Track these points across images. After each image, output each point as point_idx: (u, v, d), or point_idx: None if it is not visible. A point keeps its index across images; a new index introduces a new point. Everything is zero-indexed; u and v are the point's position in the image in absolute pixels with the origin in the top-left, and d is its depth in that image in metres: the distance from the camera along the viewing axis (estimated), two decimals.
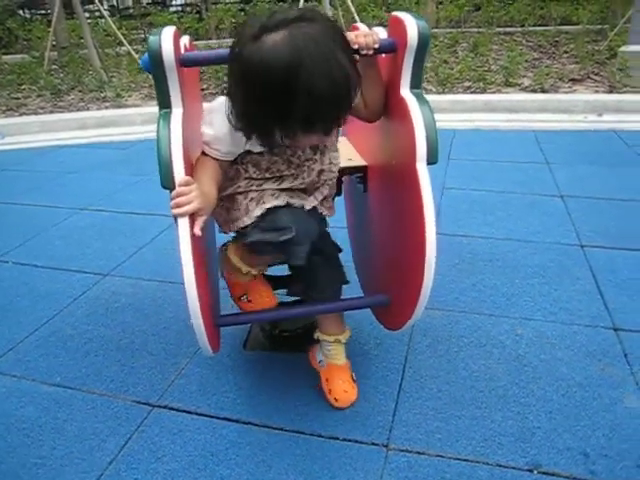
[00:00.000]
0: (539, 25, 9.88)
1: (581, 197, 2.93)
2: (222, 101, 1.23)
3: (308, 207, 1.38)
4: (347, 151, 1.70)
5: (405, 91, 1.23)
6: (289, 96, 1.04)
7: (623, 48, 5.54)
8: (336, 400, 1.54)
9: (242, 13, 12.31)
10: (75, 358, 1.81)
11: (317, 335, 1.61)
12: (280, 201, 1.30)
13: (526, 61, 6.45)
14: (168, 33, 1.11)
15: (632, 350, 1.74)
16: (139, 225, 2.83)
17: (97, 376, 1.73)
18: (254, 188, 1.33)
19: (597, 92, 5.20)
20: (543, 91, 5.25)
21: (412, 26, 1.17)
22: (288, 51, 1.03)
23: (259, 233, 1.27)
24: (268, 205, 1.29)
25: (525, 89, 5.33)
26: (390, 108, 1.33)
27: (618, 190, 3.00)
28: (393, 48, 1.22)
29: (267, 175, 1.33)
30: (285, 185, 1.34)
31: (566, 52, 7.19)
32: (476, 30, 8.99)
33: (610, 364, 1.69)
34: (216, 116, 1.24)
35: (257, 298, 1.52)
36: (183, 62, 1.16)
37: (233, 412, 1.55)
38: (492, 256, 2.33)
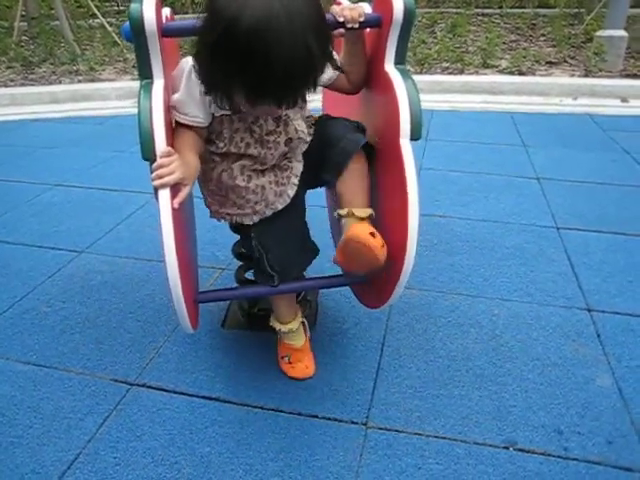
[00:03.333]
0: (517, 7, 9.88)
1: (557, 180, 2.97)
2: (187, 61, 1.21)
3: (290, 194, 1.40)
4: None
5: (389, 66, 1.22)
6: (247, 56, 1.01)
7: (599, 33, 5.58)
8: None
9: None
10: (51, 336, 1.78)
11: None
12: (251, 182, 1.35)
13: (504, 43, 6.46)
14: (150, 1, 1.07)
15: (604, 331, 1.78)
16: (114, 202, 2.78)
17: (74, 354, 1.70)
18: (218, 160, 1.35)
19: (573, 76, 5.24)
20: (520, 73, 5.27)
21: (398, 1, 1.15)
22: (260, 12, 0.99)
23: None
24: (239, 181, 1.34)
25: (502, 71, 5.34)
26: (373, 83, 1.32)
27: (592, 173, 3.05)
28: (378, 23, 1.21)
29: (232, 149, 1.31)
30: (251, 165, 1.35)
31: (543, 35, 7.22)
32: (454, 11, 8.95)
33: (584, 344, 1.73)
34: (180, 79, 1.22)
35: (298, 365, 1.59)
36: (165, 32, 1.12)
37: (212, 391, 1.55)
38: (469, 237, 2.35)
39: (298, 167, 1.40)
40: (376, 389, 1.54)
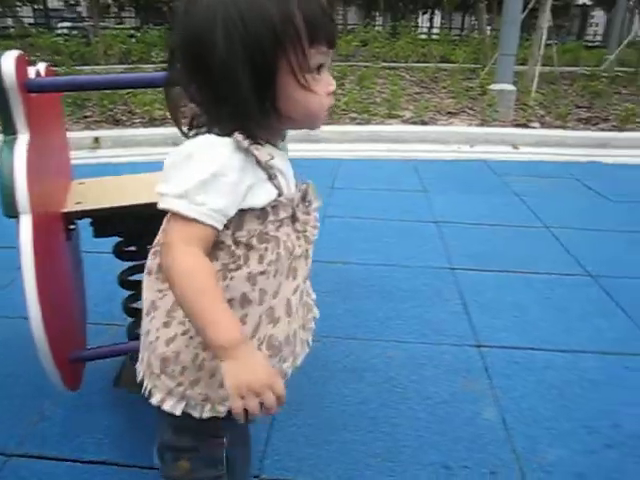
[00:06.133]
0: (421, 62, 10.55)
1: (453, 222, 3.13)
2: (204, 140, 0.78)
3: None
4: None
5: None
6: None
7: (491, 86, 6.04)
8: None
9: (132, 39, 12.11)
10: None
11: None
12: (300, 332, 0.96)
13: (408, 95, 6.85)
14: (10, 56, 1.07)
15: (492, 365, 1.87)
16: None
17: None
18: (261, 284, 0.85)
19: (470, 125, 5.61)
20: (423, 123, 5.59)
21: None
22: None
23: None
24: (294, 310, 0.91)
25: (406, 121, 5.64)
26: None
27: (486, 215, 3.24)
28: None
29: (284, 261, 0.86)
30: (299, 282, 0.91)
31: (444, 87, 7.72)
32: (363, 64, 9.41)
33: (473, 380, 1.80)
34: (198, 155, 0.77)
35: None
36: (30, 87, 1.12)
37: (99, 454, 1.48)
38: (368, 281, 2.42)
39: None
40: (270, 439, 1.53)
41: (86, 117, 5.78)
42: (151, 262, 0.89)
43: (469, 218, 3.19)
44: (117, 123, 5.64)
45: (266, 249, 0.82)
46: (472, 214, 3.26)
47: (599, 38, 20.32)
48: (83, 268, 1.84)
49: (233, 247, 0.81)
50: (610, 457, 1.50)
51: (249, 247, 0.82)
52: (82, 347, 1.59)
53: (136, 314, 1.76)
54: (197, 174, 0.75)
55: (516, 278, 2.48)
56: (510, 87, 5.82)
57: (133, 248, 1.67)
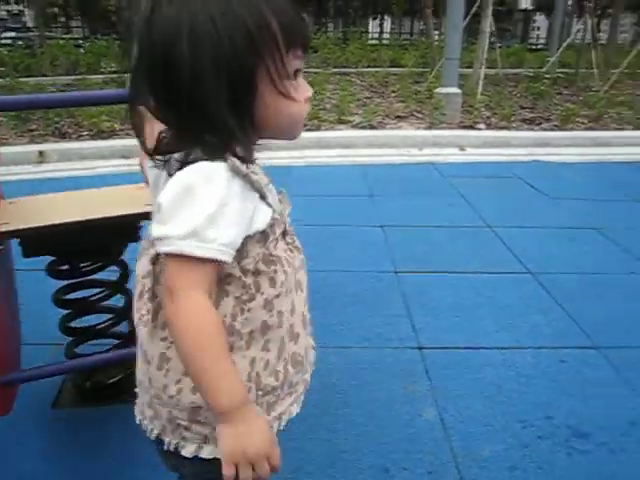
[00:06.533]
0: (372, 66, 10.67)
1: (399, 226, 3.18)
2: (199, 169, 0.70)
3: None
4: (148, 196, 1.69)
5: None
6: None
7: (438, 90, 6.16)
8: None
9: (80, 49, 11.89)
10: None
11: None
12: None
13: (358, 100, 6.92)
14: None
15: (432, 366, 1.91)
16: None
17: None
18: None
19: (419, 128, 5.71)
20: (372, 127, 5.65)
21: None
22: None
23: None
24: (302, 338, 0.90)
25: (356, 126, 5.70)
26: None
27: (431, 217, 3.30)
28: None
29: (292, 285, 0.85)
30: (306, 292, 0.94)
31: (394, 92, 7.83)
32: (314, 71, 9.47)
33: (413, 381, 1.83)
34: (199, 187, 0.69)
35: None
36: None
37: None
38: (311, 288, 2.41)
39: None
40: None
41: (31, 130, 5.63)
42: (144, 311, 0.81)
43: (414, 221, 3.25)
44: (63, 136, 5.52)
45: (275, 271, 0.80)
46: (417, 217, 3.32)
47: (542, 41, 20.96)
48: (15, 287, 1.80)
49: (242, 277, 0.77)
50: (542, 448, 1.56)
51: (257, 273, 0.78)
52: (15, 369, 1.55)
53: (74, 333, 1.74)
54: (203, 208, 0.68)
55: (458, 278, 2.54)
56: (456, 90, 5.96)
57: (66, 267, 1.64)
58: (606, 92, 7.75)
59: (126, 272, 1.72)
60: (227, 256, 0.71)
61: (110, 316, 1.74)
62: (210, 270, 0.71)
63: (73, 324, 1.72)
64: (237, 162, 0.70)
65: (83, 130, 5.66)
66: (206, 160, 0.70)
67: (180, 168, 0.70)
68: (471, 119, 5.92)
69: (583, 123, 6.19)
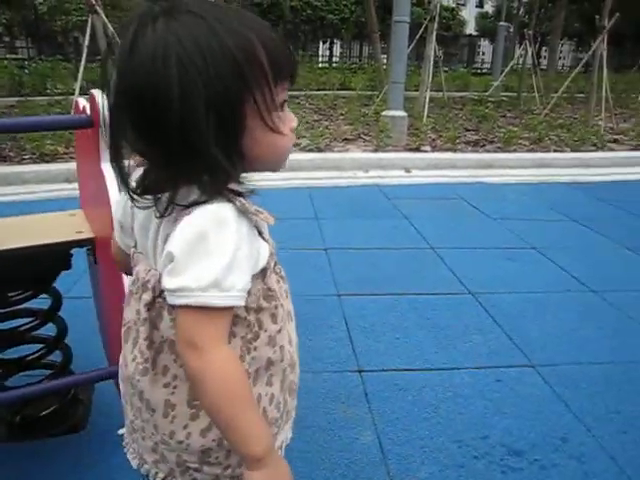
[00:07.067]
0: (321, 89, 10.80)
1: (342, 248, 3.20)
2: (209, 214, 0.68)
3: None
4: (80, 223, 1.66)
5: (105, 165, 1.25)
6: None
7: (384, 112, 6.28)
8: None
9: (24, 71, 11.60)
10: None
11: None
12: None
13: (307, 122, 6.97)
14: None
15: (371, 389, 1.91)
16: None
17: None
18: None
19: (365, 151, 5.80)
20: (319, 150, 5.70)
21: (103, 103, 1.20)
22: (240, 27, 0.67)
23: None
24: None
25: (303, 149, 5.74)
26: (95, 181, 1.34)
27: (375, 240, 3.34)
28: (91, 124, 1.24)
29: (286, 308, 0.85)
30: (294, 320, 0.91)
31: (342, 114, 7.94)
32: None
33: (352, 405, 1.83)
34: (213, 235, 0.67)
35: None
36: None
37: None
38: None
39: None
40: None
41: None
42: (141, 359, 0.78)
43: (358, 243, 3.28)
44: (4, 159, 5.34)
45: (276, 307, 0.79)
46: (361, 239, 3.35)
47: (487, 66, 21.77)
48: None
49: (247, 317, 0.76)
50: (477, 468, 1.58)
51: (259, 310, 0.77)
52: None
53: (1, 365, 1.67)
54: (220, 257, 0.66)
55: (400, 300, 2.57)
56: (401, 113, 6.09)
57: None
58: (546, 115, 8.08)
59: (59, 301, 1.68)
60: (243, 300, 0.71)
61: (41, 346, 1.69)
62: (229, 318, 0.71)
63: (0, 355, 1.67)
64: (242, 200, 0.69)
65: (25, 153, 5.50)
66: (206, 201, 0.67)
67: (167, 208, 0.69)
68: (417, 141, 6.05)
69: (525, 145, 6.42)
